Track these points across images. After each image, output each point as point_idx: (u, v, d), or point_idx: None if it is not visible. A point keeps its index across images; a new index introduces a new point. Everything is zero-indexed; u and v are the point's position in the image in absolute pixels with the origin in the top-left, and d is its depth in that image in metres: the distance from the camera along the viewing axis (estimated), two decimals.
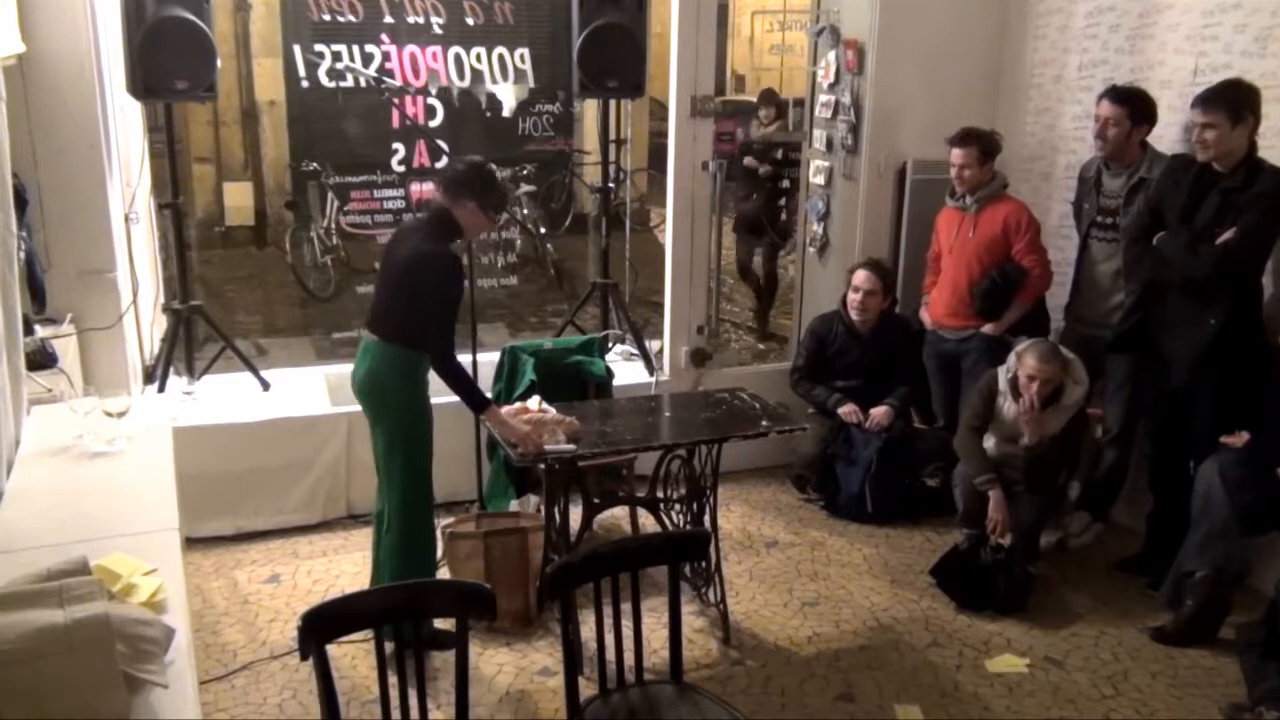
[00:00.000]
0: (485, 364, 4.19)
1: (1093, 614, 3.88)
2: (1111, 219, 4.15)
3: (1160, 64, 4.42)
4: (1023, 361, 3.96)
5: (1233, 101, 3.54)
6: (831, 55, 5.30)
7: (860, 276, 4.64)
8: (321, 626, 2.14)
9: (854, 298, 4.65)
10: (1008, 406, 4.05)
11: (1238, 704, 3.23)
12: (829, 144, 5.42)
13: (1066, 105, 4.88)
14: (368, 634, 2.22)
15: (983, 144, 4.37)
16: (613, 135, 5.45)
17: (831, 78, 5.33)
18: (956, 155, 4.39)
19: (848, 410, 4.63)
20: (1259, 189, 3.55)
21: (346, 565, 4.08)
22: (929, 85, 5.01)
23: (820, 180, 5.50)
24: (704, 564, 3.77)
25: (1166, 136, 4.28)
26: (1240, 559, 3.52)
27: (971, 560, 3.96)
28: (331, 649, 2.17)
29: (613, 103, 5.20)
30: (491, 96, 5.35)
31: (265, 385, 4.54)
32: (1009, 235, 4.38)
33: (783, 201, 5.70)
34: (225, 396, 4.46)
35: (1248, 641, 3.35)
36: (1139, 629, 3.76)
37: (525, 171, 5.64)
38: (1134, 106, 4.07)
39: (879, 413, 4.60)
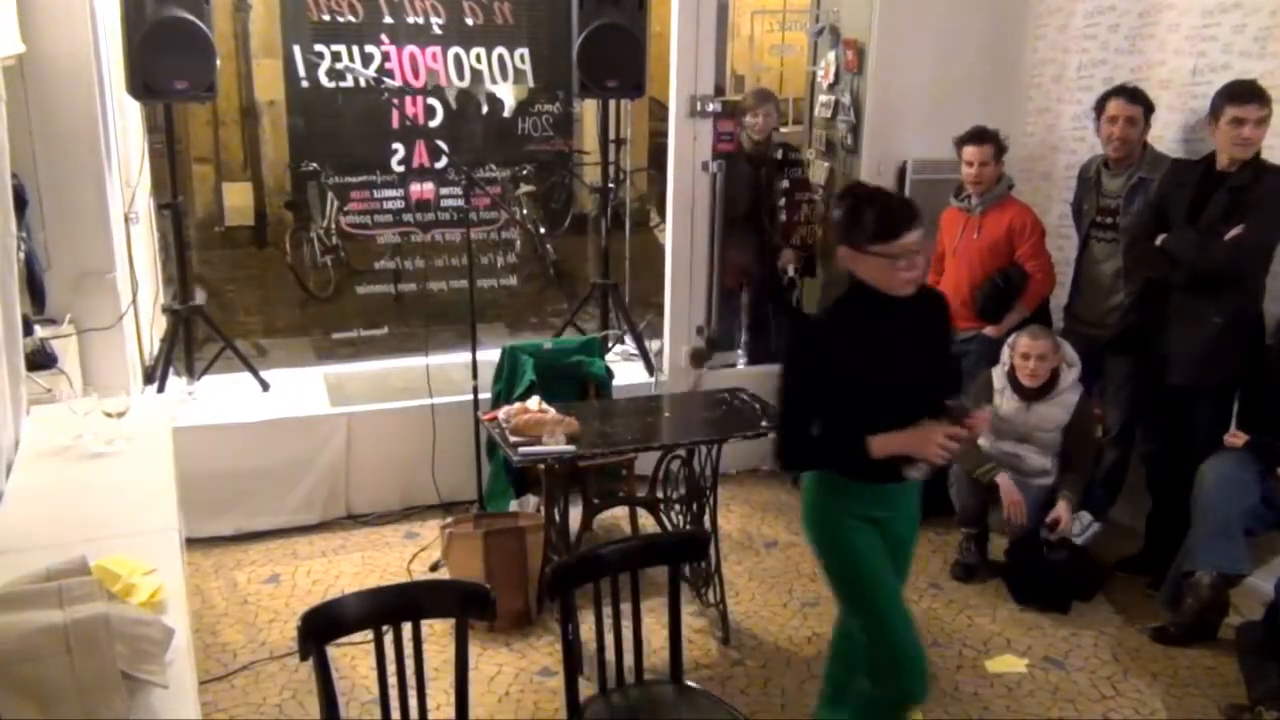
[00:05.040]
0: (485, 364, 4.19)
1: (1092, 614, 3.88)
2: (1111, 219, 4.15)
3: (1160, 64, 4.42)
4: (1014, 348, 4.00)
5: (1266, 98, 3.58)
6: (831, 55, 5.30)
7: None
8: (321, 627, 2.15)
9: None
10: (1005, 402, 4.05)
11: (1237, 704, 3.24)
12: (828, 144, 5.42)
13: (1066, 105, 4.88)
14: (367, 634, 2.21)
15: (997, 142, 4.37)
16: (612, 135, 5.45)
17: (831, 78, 5.33)
18: (971, 153, 4.37)
19: None
20: (1269, 187, 3.57)
21: (346, 566, 4.08)
22: (929, 85, 5.00)
23: (820, 181, 5.50)
24: (704, 564, 3.76)
25: (1166, 137, 4.28)
26: (1243, 559, 3.52)
27: (1036, 558, 3.96)
28: (330, 649, 2.17)
29: (612, 103, 5.21)
30: (491, 96, 5.34)
31: (265, 385, 4.54)
32: (1013, 238, 4.38)
33: (782, 203, 5.69)
34: (225, 397, 4.46)
35: (1248, 642, 3.36)
36: (1139, 629, 3.77)
37: (525, 172, 5.63)
38: (1147, 105, 4.08)
39: None
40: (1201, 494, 3.57)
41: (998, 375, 4.11)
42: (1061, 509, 3.96)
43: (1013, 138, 4.65)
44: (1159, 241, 3.76)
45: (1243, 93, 3.60)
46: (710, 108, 4.67)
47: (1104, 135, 4.13)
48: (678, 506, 3.86)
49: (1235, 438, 3.62)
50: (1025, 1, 5.07)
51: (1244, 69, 4.00)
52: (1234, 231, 3.57)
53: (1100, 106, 4.15)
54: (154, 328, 4.73)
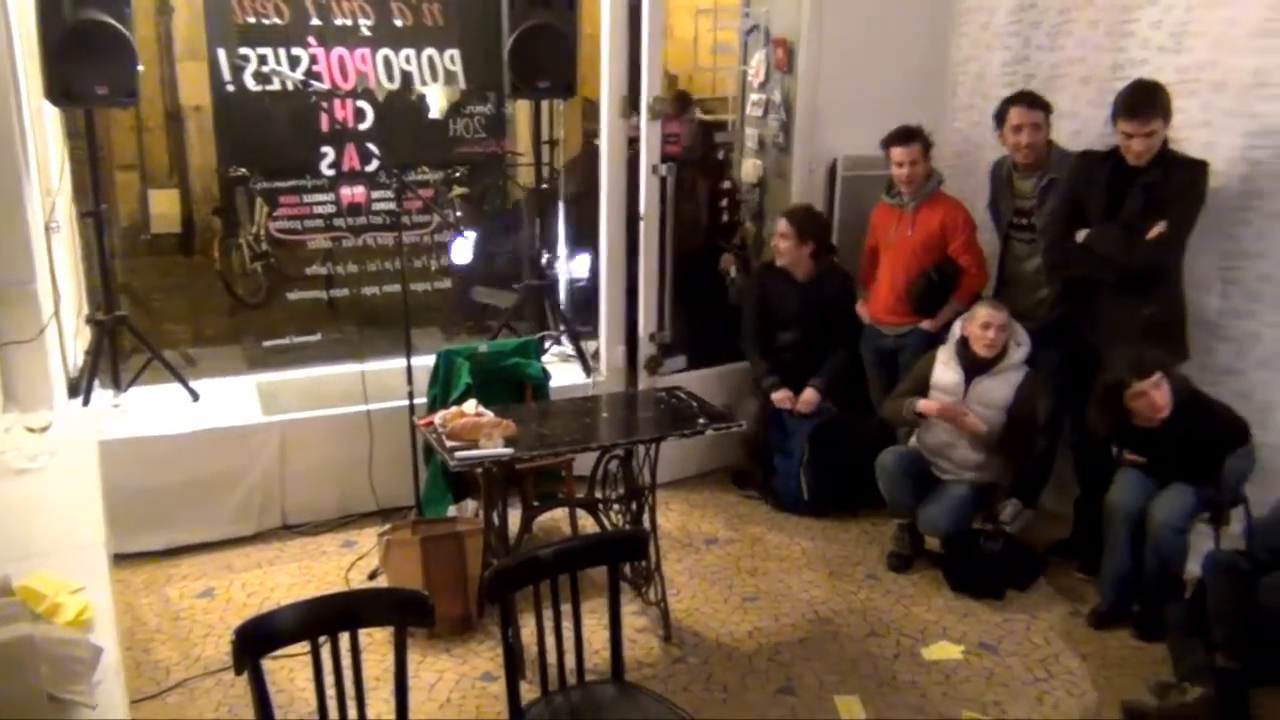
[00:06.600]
0: (420, 368, 4.16)
1: (1024, 599, 3.97)
2: (1027, 219, 4.25)
3: (1080, 60, 4.52)
4: (973, 316, 4.06)
5: (1164, 106, 3.66)
6: (761, 54, 5.34)
7: (779, 224, 4.74)
8: (256, 640, 2.11)
9: (773, 242, 4.77)
10: (948, 375, 4.10)
11: (1165, 681, 3.32)
12: (761, 143, 5.47)
13: (990, 102, 4.93)
14: (305, 646, 2.19)
15: (924, 140, 4.44)
16: (545, 136, 5.44)
17: (762, 76, 5.37)
18: (900, 154, 4.43)
19: (780, 397, 4.68)
20: (1182, 181, 3.68)
21: (282, 577, 4.02)
22: (858, 82, 5.05)
23: (753, 179, 5.55)
24: (644, 563, 3.78)
25: (1088, 131, 4.37)
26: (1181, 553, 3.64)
27: (973, 549, 4.03)
28: (267, 662, 2.14)
29: (545, 103, 5.19)
30: (421, 98, 5.31)
31: (194, 395, 4.45)
32: (946, 234, 4.46)
33: (724, 203, 5.73)
34: (153, 408, 4.36)
35: (1174, 621, 3.45)
36: (1070, 613, 3.86)
37: (458, 174, 5.60)
38: (1046, 108, 4.16)
39: (806, 396, 4.65)
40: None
41: (944, 350, 4.17)
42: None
43: (940, 134, 4.73)
44: (1081, 238, 3.84)
45: (1129, 107, 3.66)
46: (659, 109, 4.65)
47: (1010, 144, 4.20)
48: (617, 506, 3.86)
49: (1133, 457, 3.72)
50: (948, 1, 5.16)
51: (1161, 64, 4.11)
52: (1158, 229, 3.66)
53: (1001, 115, 4.22)
54: (78, 339, 4.62)
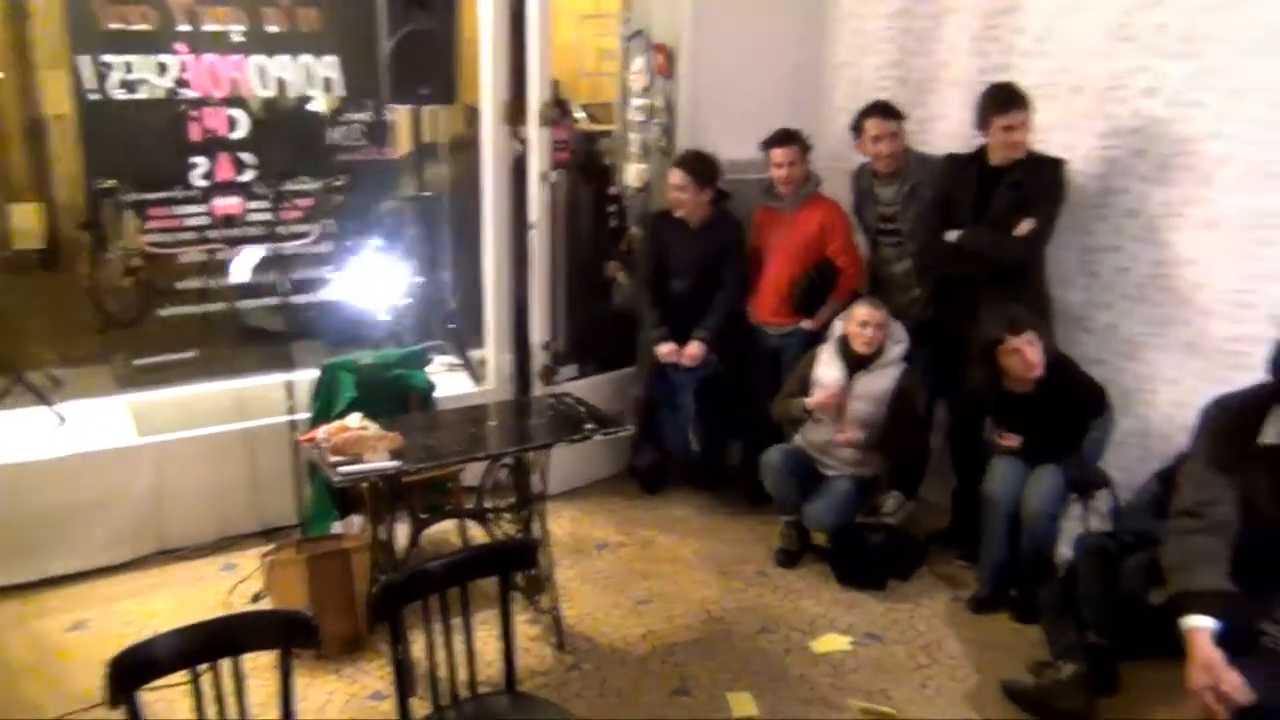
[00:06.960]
0: (302, 382, 4.06)
1: (908, 588, 4.09)
2: (892, 225, 4.39)
3: (949, 64, 4.67)
4: (851, 315, 4.14)
5: (1027, 100, 3.83)
6: (642, 60, 5.37)
7: (672, 175, 4.72)
8: (132, 671, 2.06)
9: (670, 197, 4.75)
10: (830, 373, 4.18)
11: (1042, 661, 3.45)
12: (644, 148, 5.49)
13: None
14: (185, 675, 2.12)
15: (802, 142, 4.53)
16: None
17: (644, 82, 5.40)
18: (780, 155, 4.51)
19: (666, 351, 4.70)
20: (1046, 179, 3.86)
21: (161, 604, 3.87)
22: (739, 88, 5.11)
23: (638, 185, 5.57)
24: (535, 571, 3.75)
25: (962, 133, 4.51)
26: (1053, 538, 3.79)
27: (858, 542, 4.13)
28: (145, 694, 2.07)
29: (426, 110, 5.13)
30: (298, 106, 5.19)
31: (60, 418, 4.26)
32: (825, 235, 4.55)
33: (611, 209, 5.74)
34: (16, 433, 4.16)
35: (1047, 603, 3.59)
36: (951, 599, 3.99)
37: (338, 182, 5.48)
38: (900, 116, 4.29)
39: (690, 350, 4.67)
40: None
41: (826, 349, 4.26)
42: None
43: (817, 137, 4.82)
44: (954, 238, 3.98)
45: (1006, 101, 3.84)
46: (550, 116, 4.62)
47: (872, 154, 4.33)
48: (507, 515, 3.84)
49: (1008, 440, 3.86)
50: (824, 6, 5.27)
51: (1025, 68, 4.26)
52: (1027, 226, 3.83)
53: (858, 127, 4.35)
54: None
